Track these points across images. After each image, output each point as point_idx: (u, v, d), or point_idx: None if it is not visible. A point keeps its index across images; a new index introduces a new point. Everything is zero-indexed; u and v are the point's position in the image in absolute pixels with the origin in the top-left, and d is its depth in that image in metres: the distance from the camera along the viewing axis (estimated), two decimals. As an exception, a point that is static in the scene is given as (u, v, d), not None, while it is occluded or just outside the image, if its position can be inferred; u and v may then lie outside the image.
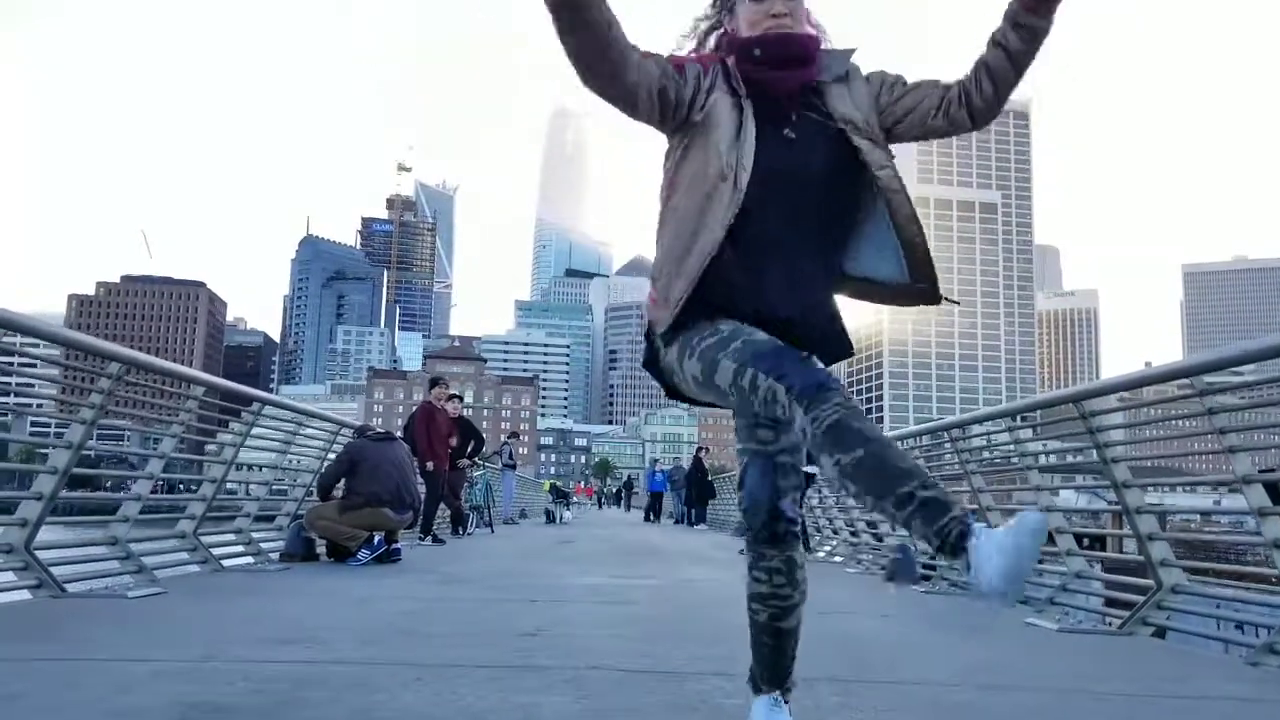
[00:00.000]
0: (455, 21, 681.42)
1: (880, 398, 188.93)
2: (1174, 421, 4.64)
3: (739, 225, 1.64)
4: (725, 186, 1.64)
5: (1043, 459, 6.15)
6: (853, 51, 1.81)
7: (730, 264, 1.64)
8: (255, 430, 6.36)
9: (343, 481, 6.66)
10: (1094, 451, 4.50)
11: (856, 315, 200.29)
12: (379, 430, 7.53)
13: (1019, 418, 6.10)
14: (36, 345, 4.67)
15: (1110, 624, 4.48)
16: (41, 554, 4.04)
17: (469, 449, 10.54)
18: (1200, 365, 3.62)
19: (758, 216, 1.66)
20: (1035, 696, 2.50)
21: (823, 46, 1.78)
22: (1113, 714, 2.38)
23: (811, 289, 1.69)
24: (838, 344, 1.72)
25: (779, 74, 1.71)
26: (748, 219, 1.64)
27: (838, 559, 9.30)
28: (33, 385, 4.84)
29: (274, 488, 7.45)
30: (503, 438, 18.29)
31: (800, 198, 1.68)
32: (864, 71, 1.79)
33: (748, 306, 1.64)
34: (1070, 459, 6.29)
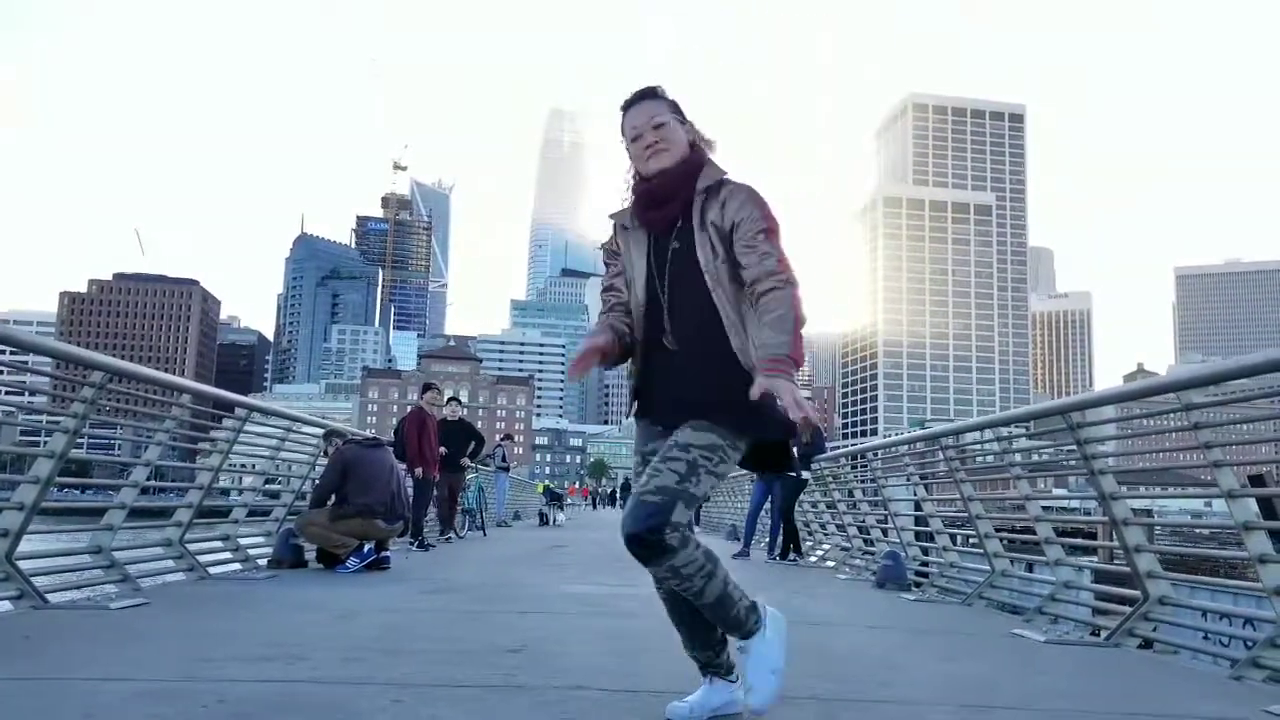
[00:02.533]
0: (452, 20, 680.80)
1: (874, 398, 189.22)
2: (1165, 437, 4.65)
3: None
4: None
5: (1034, 467, 6.17)
6: (724, 174, 2.21)
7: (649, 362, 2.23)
8: (243, 436, 6.33)
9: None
10: (1082, 462, 4.50)
11: (852, 318, 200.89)
12: (368, 436, 7.50)
13: (1011, 426, 6.11)
14: (24, 359, 4.63)
15: (1099, 634, 4.49)
16: (23, 563, 4.01)
17: (469, 449, 10.53)
18: (1186, 381, 3.62)
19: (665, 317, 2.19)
20: (1016, 716, 2.50)
21: (705, 158, 2.23)
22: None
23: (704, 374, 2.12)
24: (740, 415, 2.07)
25: (649, 215, 2.22)
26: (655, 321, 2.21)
27: (829, 564, 9.31)
28: (21, 394, 4.81)
29: (263, 493, 7.41)
30: (497, 438, 18.24)
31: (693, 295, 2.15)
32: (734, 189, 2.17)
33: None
34: (1062, 462, 6.30)
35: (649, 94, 2.22)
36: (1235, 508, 3.63)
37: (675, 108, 2.22)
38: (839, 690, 2.69)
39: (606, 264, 2.36)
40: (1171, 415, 3.97)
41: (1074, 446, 4.53)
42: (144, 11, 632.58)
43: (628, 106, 2.21)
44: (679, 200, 2.15)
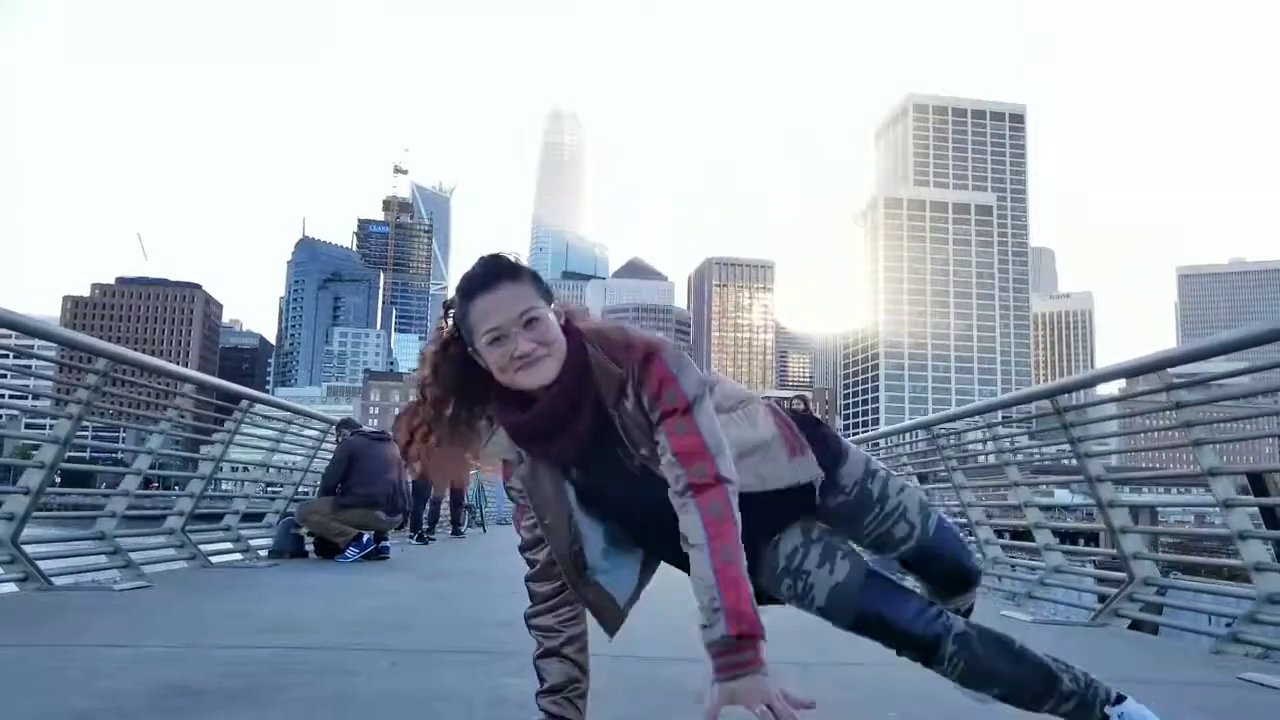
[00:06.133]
0: (451, 23, 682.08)
1: (875, 398, 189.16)
2: (1150, 417, 4.72)
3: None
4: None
5: (1023, 455, 6.25)
6: (619, 363, 1.51)
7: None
8: (245, 428, 6.41)
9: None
10: (1069, 447, 4.57)
11: (853, 319, 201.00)
12: (374, 429, 7.58)
13: (1001, 415, 6.18)
14: (29, 344, 4.71)
15: (1086, 616, 4.55)
16: (29, 548, 4.09)
17: None
18: (1166, 359, 3.69)
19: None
20: (994, 680, 2.57)
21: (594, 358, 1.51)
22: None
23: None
24: None
25: (545, 448, 1.55)
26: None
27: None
28: (27, 383, 4.91)
29: (264, 485, 7.50)
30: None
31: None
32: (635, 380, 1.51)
33: None
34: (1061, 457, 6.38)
35: (506, 272, 1.51)
36: (1216, 486, 3.70)
37: (537, 280, 1.53)
38: (820, 657, 2.76)
39: (518, 505, 1.67)
40: (1155, 396, 4.04)
41: (1061, 431, 4.61)
42: (145, 15, 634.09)
43: (475, 290, 1.50)
44: (583, 418, 1.50)
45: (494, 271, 1.51)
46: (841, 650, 2.89)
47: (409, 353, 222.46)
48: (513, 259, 1.55)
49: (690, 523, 1.44)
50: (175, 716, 1.85)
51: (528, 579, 1.67)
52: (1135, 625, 4.62)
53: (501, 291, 1.48)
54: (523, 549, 1.68)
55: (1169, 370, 3.73)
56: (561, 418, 1.50)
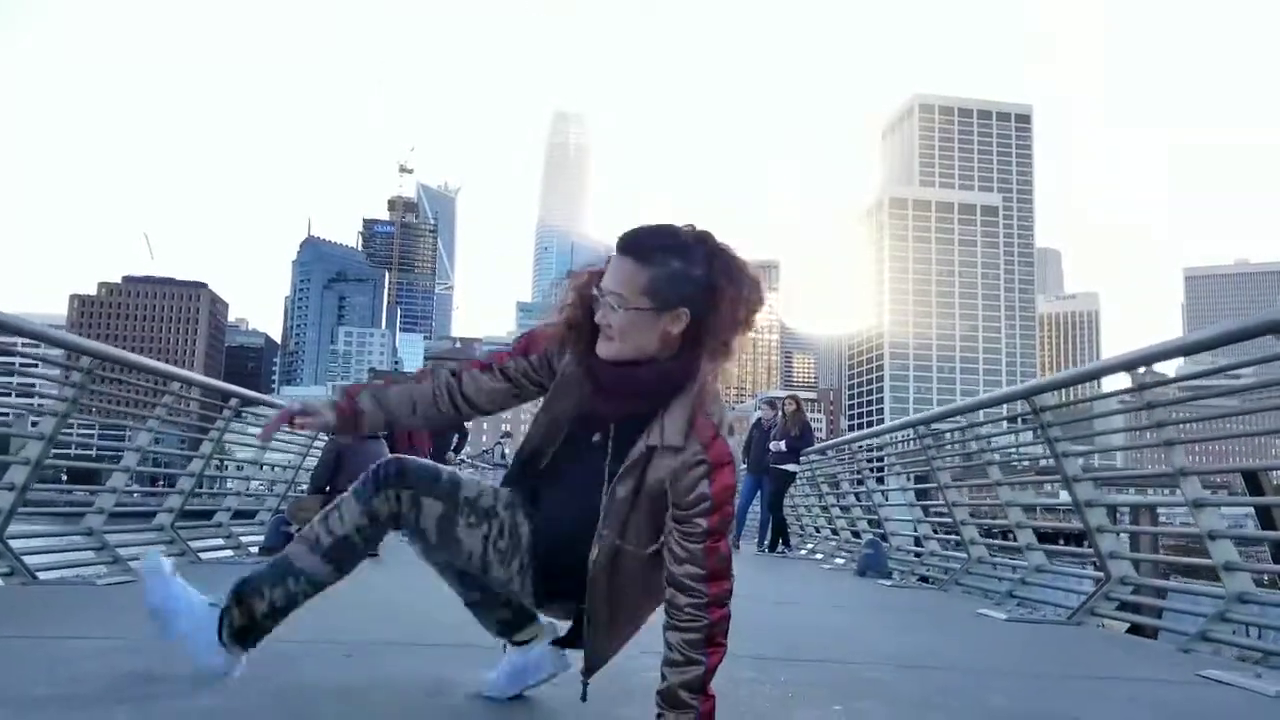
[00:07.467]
0: (457, 24, 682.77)
1: (880, 400, 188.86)
2: (1126, 417, 4.75)
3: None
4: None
5: (1006, 454, 6.27)
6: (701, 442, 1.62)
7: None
8: (237, 427, 6.46)
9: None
10: (1045, 446, 4.59)
11: (858, 319, 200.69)
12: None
13: (985, 414, 6.20)
14: (13, 342, 4.76)
15: (1060, 615, 4.57)
16: (15, 543, 4.15)
17: (453, 443, 10.60)
18: (1137, 358, 3.71)
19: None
20: (948, 675, 2.59)
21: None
22: (1017, 691, 2.47)
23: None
24: None
25: (602, 396, 1.65)
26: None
27: (818, 556, 9.41)
28: (11, 380, 4.96)
29: (255, 483, 7.55)
30: (500, 432, 18.51)
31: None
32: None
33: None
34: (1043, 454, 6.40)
35: (636, 249, 1.58)
36: (1185, 486, 3.71)
37: (664, 282, 1.56)
38: (782, 652, 2.79)
39: (510, 356, 1.77)
40: (1127, 396, 4.06)
41: (1039, 431, 4.63)
42: (151, 15, 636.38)
43: (618, 245, 1.60)
44: (642, 405, 1.63)
45: (631, 245, 1.59)
46: (807, 650, 2.93)
47: (414, 352, 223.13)
48: (672, 235, 1.59)
49: (697, 639, 1.61)
50: (126, 703, 1.89)
51: (463, 373, 1.80)
52: (1136, 629, 4.66)
53: (622, 263, 1.57)
54: (483, 366, 1.78)
55: (1140, 370, 3.75)
56: (608, 390, 1.62)
